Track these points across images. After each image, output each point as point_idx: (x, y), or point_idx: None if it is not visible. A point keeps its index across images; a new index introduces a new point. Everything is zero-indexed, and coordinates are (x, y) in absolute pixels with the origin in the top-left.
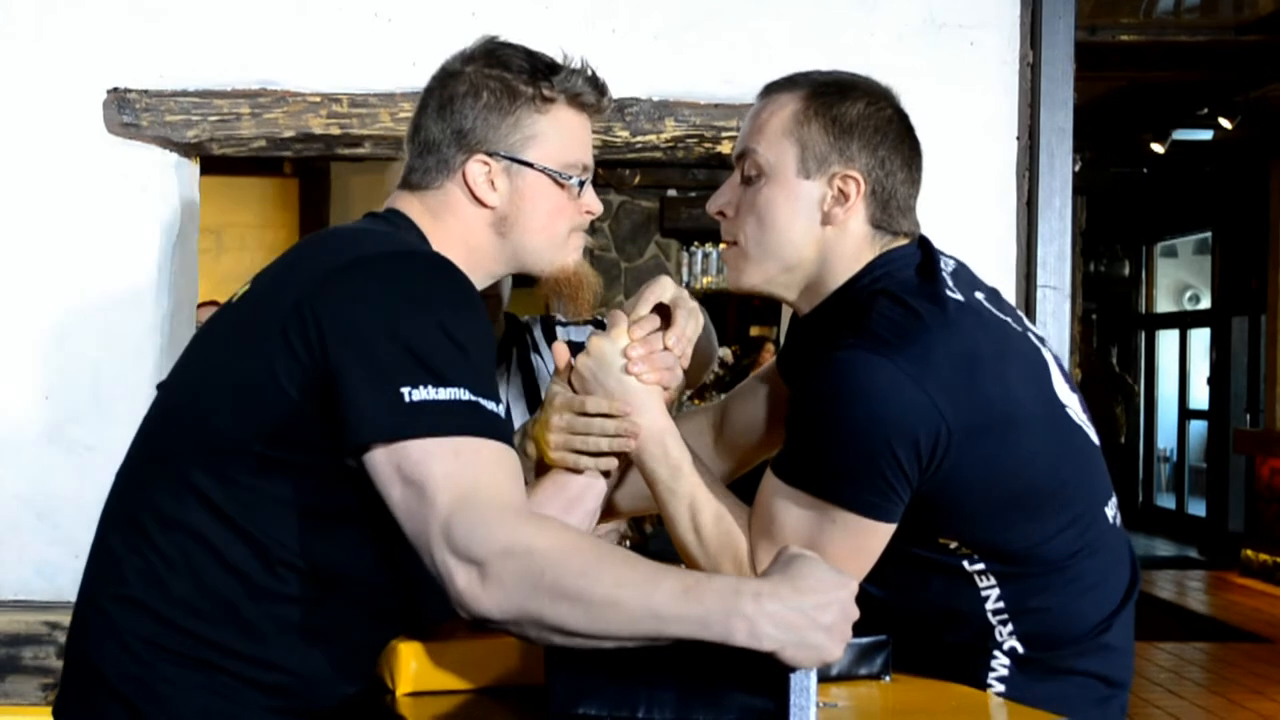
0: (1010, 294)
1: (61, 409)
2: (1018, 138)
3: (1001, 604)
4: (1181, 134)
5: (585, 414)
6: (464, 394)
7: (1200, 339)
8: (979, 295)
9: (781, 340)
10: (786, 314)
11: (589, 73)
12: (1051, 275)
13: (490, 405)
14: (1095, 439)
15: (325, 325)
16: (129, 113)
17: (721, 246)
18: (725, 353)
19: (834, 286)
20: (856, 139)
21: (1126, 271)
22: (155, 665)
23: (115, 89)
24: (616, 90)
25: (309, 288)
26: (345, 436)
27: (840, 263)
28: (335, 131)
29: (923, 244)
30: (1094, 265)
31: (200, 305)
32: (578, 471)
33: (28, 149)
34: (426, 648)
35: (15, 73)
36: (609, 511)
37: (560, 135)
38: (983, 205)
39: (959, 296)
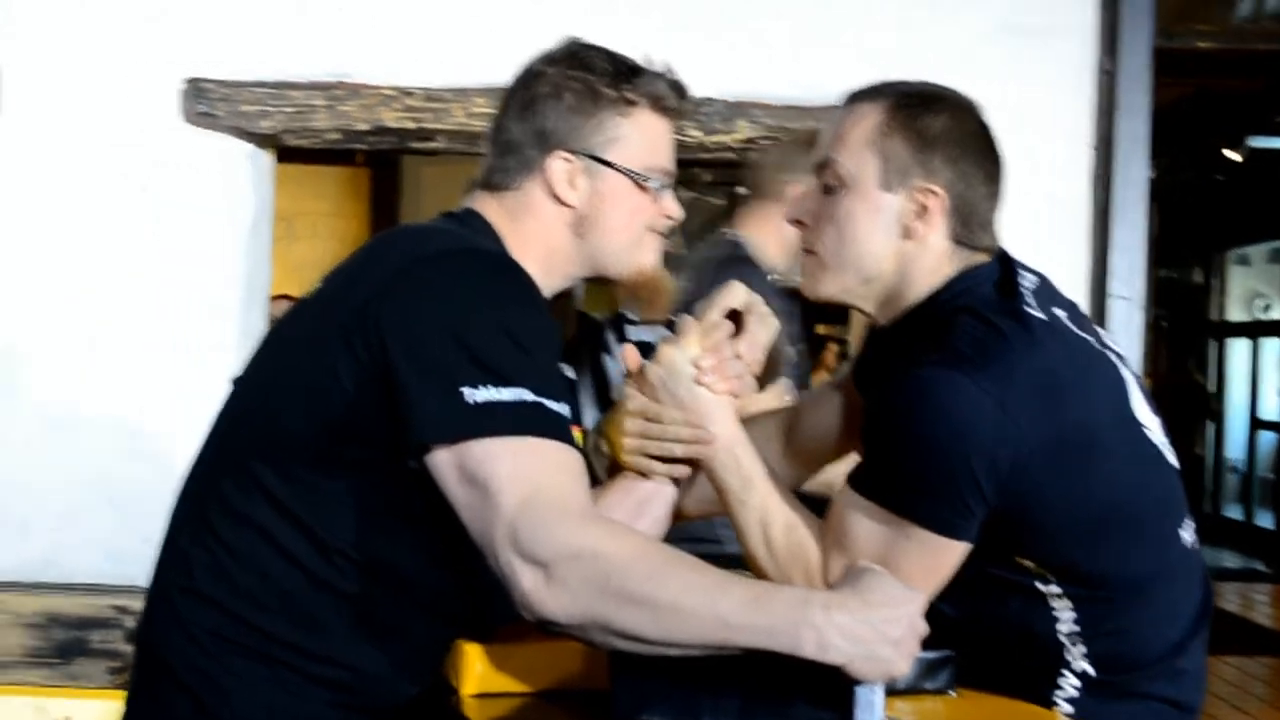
0: (1082, 303)
1: (136, 397)
2: (1094, 145)
3: (1076, 626)
4: (1258, 141)
5: (659, 422)
6: (527, 394)
7: (1272, 348)
8: (1060, 312)
9: (852, 348)
10: (857, 318)
11: (671, 76)
12: (1124, 285)
13: (554, 405)
14: (1174, 461)
15: (385, 326)
16: (205, 102)
17: (800, 255)
18: (791, 352)
19: (912, 299)
20: (939, 152)
21: (1199, 279)
22: (220, 658)
23: (193, 79)
24: (691, 90)
25: (372, 290)
26: (407, 437)
27: (919, 276)
28: (409, 125)
29: (1003, 259)
30: (1165, 272)
31: (273, 299)
32: (648, 476)
33: (106, 137)
34: (492, 650)
35: (95, 61)
36: (676, 514)
37: (642, 139)
38: (1057, 213)
39: (1041, 315)
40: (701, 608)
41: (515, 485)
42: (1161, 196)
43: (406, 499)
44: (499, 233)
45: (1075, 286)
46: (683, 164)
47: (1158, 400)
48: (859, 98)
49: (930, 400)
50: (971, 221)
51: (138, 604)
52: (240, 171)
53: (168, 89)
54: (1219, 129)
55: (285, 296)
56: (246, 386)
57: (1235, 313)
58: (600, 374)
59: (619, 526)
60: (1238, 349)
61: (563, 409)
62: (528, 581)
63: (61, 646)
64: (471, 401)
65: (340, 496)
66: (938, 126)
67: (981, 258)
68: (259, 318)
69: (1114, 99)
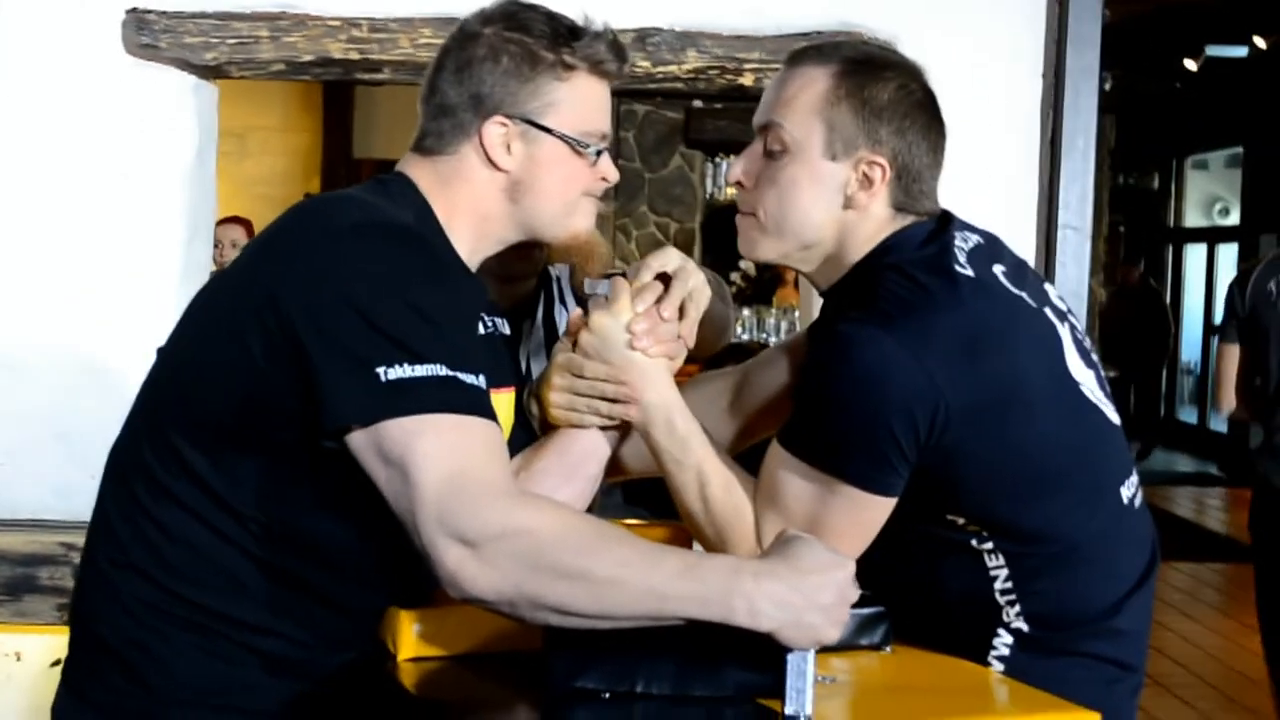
0: (1030, 234)
1: (80, 331)
2: (1043, 75)
3: (1010, 584)
4: (1215, 50)
5: (583, 377)
6: (441, 369)
7: (1228, 254)
8: (997, 269)
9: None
10: None
11: (611, 38)
12: (1073, 216)
13: (469, 379)
14: (1114, 417)
15: (292, 308)
16: (148, 34)
17: (737, 215)
18: (748, 265)
19: (851, 263)
20: (886, 123)
21: (1156, 185)
22: (155, 629)
23: (134, 10)
24: (638, 19)
25: (280, 269)
26: (321, 420)
27: (859, 242)
28: (354, 57)
29: (942, 219)
30: (1123, 178)
31: (220, 222)
32: (581, 428)
33: (46, 70)
34: (426, 614)
35: None
36: (616, 469)
37: (580, 103)
38: (1006, 144)
39: (969, 272)
40: (634, 579)
41: (435, 464)
42: (1121, 105)
43: (327, 476)
44: (428, 198)
45: (1025, 217)
46: (629, 94)
47: (1122, 310)
48: (805, 59)
49: (849, 357)
50: (914, 189)
51: (84, 540)
52: (184, 104)
53: (109, 21)
54: (1177, 39)
55: (234, 219)
56: (167, 358)
57: (1194, 218)
58: (551, 328)
59: (545, 502)
60: (1194, 254)
61: (479, 382)
62: (453, 561)
63: (9, 583)
64: (385, 380)
65: (259, 473)
66: (885, 96)
67: (920, 220)
68: (204, 251)
69: (1064, 29)
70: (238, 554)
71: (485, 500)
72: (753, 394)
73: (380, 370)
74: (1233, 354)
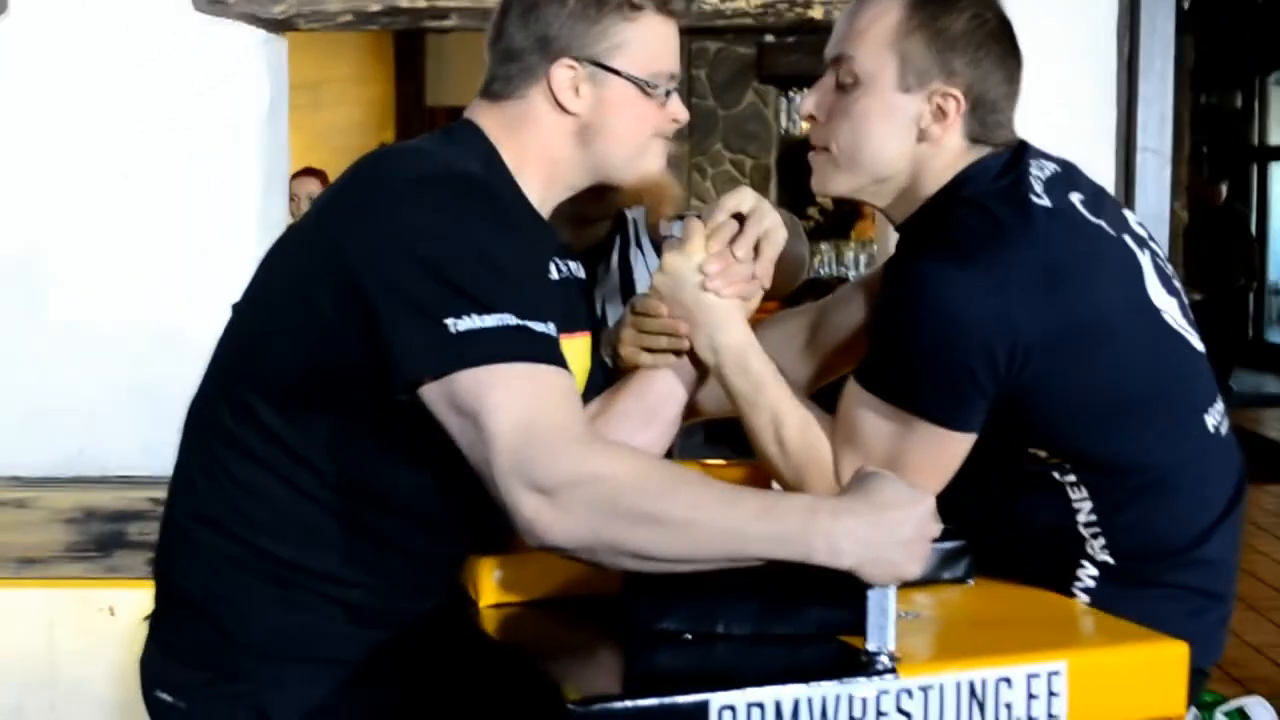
0: (1109, 159)
1: (159, 289)
2: None
3: (1094, 516)
4: None
5: (648, 316)
6: (510, 319)
7: None
8: (1075, 198)
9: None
10: None
11: None
12: (1152, 139)
13: (539, 327)
14: (1198, 343)
15: (357, 263)
16: None
17: (809, 151)
18: (824, 200)
19: (925, 196)
20: (959, 54)
21: (1239, 104)
22: (236, 582)
23: None
24: None
25: (345, 223)
26: (393, 374)
27: (933, 175)
28: (422, 4)
29: (1018, 149)
30: (1204, 98)
31: (295, 176)
32: (649, 368)
33: (116, 29)
34: (505, 560)
35: None
36: (694, 411)
37: (648, 44)
38: (1081, 67)
39: (1046, 202)
40: (713, 521)
41: (508, 414)
42: (1200, 23)
43: (400, 429)
44: (497, 145)
45: (1104, 141)
46: (700, 31)
47: (1205, 226)
48: None
49: (923, 293)
50: (989, 121)
51: None
52: (253, 58)
53: None
54: None
55: (309, 171)
56: (240, 315)
57: (1278, 136)
58: (627, 271)
59: (619, 447)
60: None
61: (549, 330)
62: (529, 509)
63: (100, 539)
64: (455, 332)
65: (332, 428)
66: (959, 27)
67: (996, 151)
68: (279, 205)
69: None
70: (314, 506)
71: (559, 447)
72: (829, 332)
73: (449, 321)
74: None
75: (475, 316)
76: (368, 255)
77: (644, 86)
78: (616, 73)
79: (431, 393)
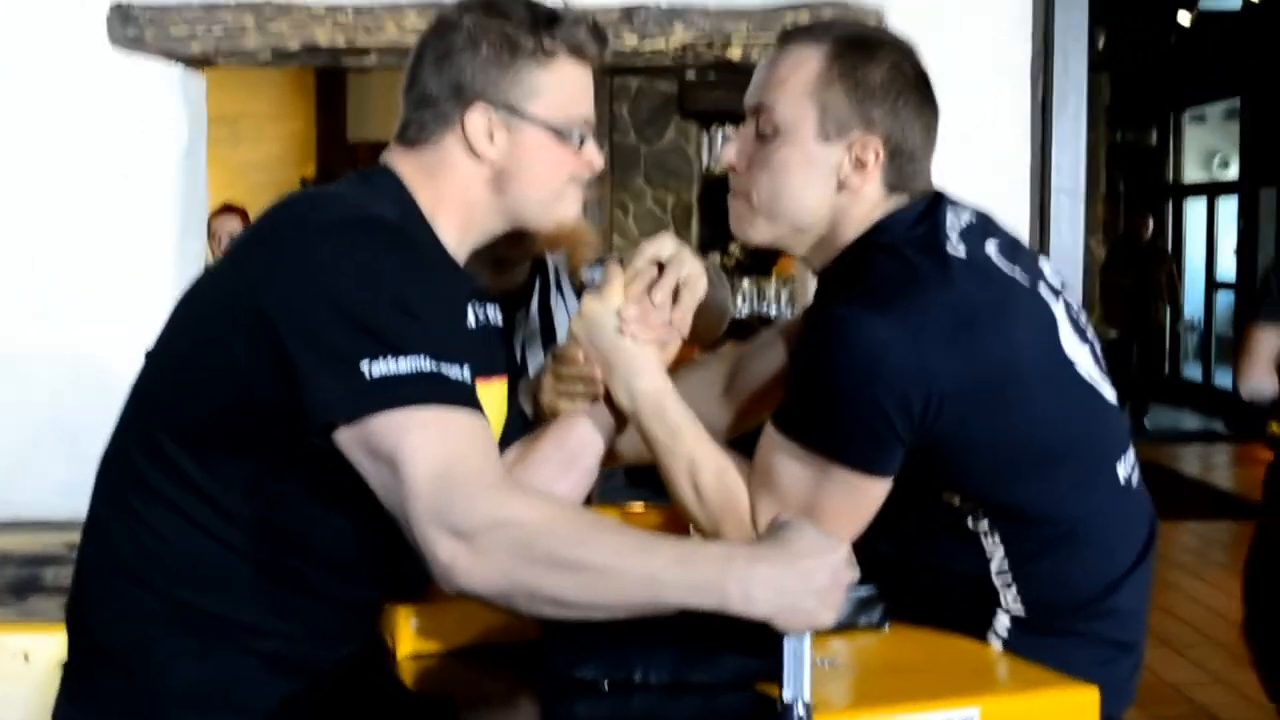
0: (1024, 199)
1: (73, 329)
2: (1031, 38)
3: (1006, 564)
4: (1209, 3)
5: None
6: (425, 362)
7: (1228, 208)
8: (990, 247)
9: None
10: None
11: (590, 23)
12: (1066, 179)
13: (454, 371)
14: (1110, 395)
15: (272, 307)
16: (133, 26)
17: (729, 197)
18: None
19: (844, 244)
20: (879, 104)
21: (1154, 140)
22: (151, 633)
23: (118, 3)
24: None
25: (261, 267)
26: (308, 419)
27: (851, 223)
28: (341, 43)
29: (934, 198)
30: (1120, 135)
31: (214, 214)
32: (567, 415)
33: (32, 64)
34: (425, 609)
35: None
36: (612, 457)
37: (562, 89)
38: (997, 109)
39: (960, 251)
40: (629, 568)
41: (424, 458)
42: (1115, 62)
43: (316, 472)
44: (412, 190)
45: (1019, 182)
46: (618, 71)
47: (1122, 260)
48: (795, 39)
49: (841, 339)
50: (906, 170)
51: None
52: (171, 95)
53: (94, 14)
54: None
55: (228, 208)
56: (153, 359)
57: (1193, 173)
58: (547, 315)
59: (536, 493)
60: (1195, 208)
61: (464, 375)
62: (446, 554)
63: (14, 584)
64: (369, 376)
65: (248, 473)
66: (878, 77)
67: (913, 199)
68: (197, 242)
69: None
70: (230, 554)
71: (476, 491)
72: (748, 378)
73: (364, 365)
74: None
75: (389, 360)
76: (282, 298)
77: (559, 132)
78: (531, 118)
79: (346, 437)
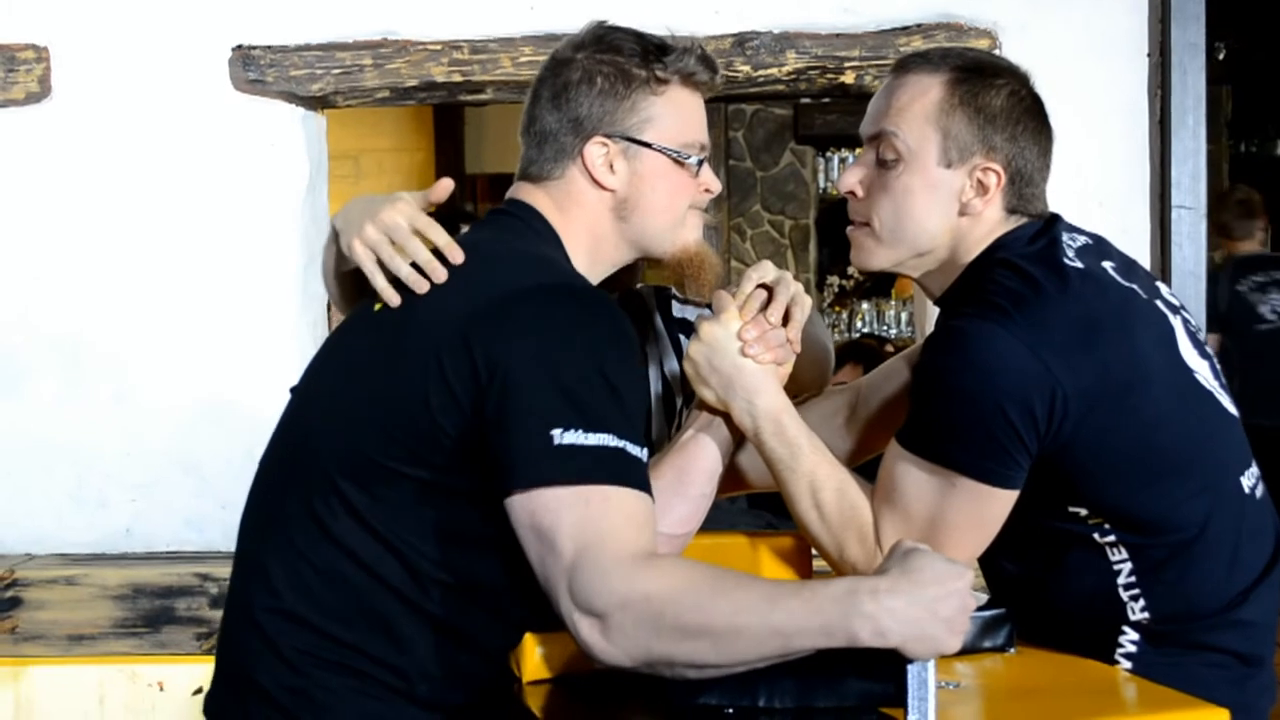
0: (1144, 215)
1: (202, 366)
2: (1149, 55)
3: (1133, 578)
4: None
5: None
6: (611, 440)
7: None
8: (1107, 265)
9: None
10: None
11: (699, 52)
12: (1186, 195)
13: (634, 450)
14: (1230, 407)
15: (483, 363)
16: (254, 69)
17: (849, 227)
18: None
19: (963, 266)
20: (999, 130)
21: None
22: (313, 675)
23: (240, 46)
24: (736, 24)
25: (469, 321)
26: (497, 475)
27: (970, 246)
28: (457, 79)
29: (1050, 219)
30: (1245, 147)
31: None
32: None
33: (157, 109)
34: (550, 636)
35: (142, 33)
36: (737, 482)
37: (676, 115)
38: (1115, 126)
39: (1079, 264)
40: (755, 625)
41: (576, 534)
42: (1238, 74)
43: (490, 522)
44: (553, 226)
45: (1137, 199)
46: (731, 99)
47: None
48: (913, 67)
49: (964, 351)
50: (1025, 193)
51: (220, 570)
52: (293, 135)
53: (216, 58)
54: None
55: None
56: (313, 398)
57: None
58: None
59: (665, 562)
60: None
61: (642, 455)
62: (586, 631)
63: (148, 615)
64: (558, 444)
65: (425, 517)
66: (998, 103)
67: (1030, 221)
68: (320, 282)
69: (1168, 6)
70: (397, 600)
71: (611, 569)
72: (872, 405)
73: (556, 433)
74: None
75: (581, 432)
76: (496, 356)
77: (676, 157)
78: (648, 145)
79: (517, 503)
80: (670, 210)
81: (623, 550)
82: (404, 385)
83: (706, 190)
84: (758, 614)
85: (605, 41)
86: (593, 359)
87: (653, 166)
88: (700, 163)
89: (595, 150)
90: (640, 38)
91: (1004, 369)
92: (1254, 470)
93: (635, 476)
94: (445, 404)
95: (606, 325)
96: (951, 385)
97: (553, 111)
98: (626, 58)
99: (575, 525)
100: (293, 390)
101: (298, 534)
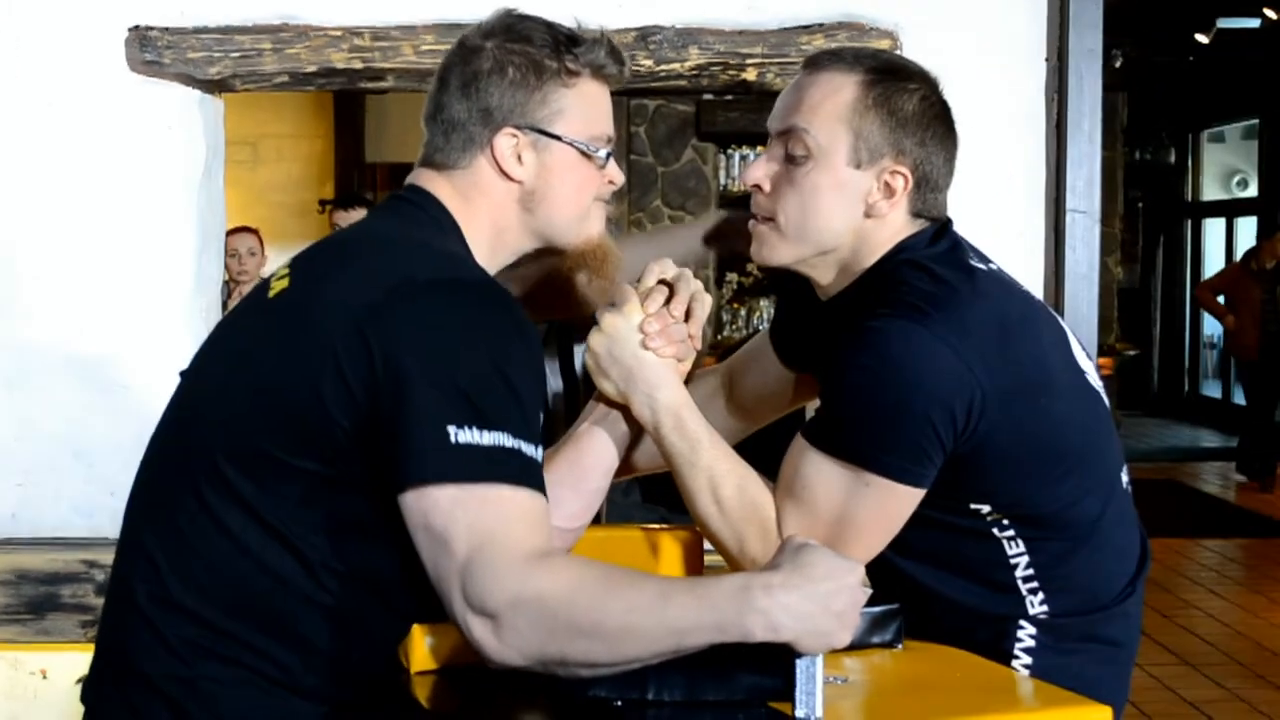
0: (1039, 219)
1: (93, 348)
2: (1047, 59)
3: (1030, 570)
4: (1227, 22)
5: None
6: (506, 439)
7: (1247, 227)
8: (993, 266)
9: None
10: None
11: (609, 44)
12: (1081, 200)
13: (530, 450)
14: (1108, 405)
15: (380, 363)
16: (151, 50)
17: (752, 221)
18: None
19: (862, 268)
20: (911, 134)
21: (1173, 159)
22: (199, 666)
23: (136, 27)
24: (639, 19)
25: (364, 313)
26: (391, 471)
27: (871, 249)
28: (358, 66)
29: (946, 222)
30: (1139, 154)
31: (229, 233)
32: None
33: (51, 89)
34: (439, 627)
35: (37, 13)
36: (629, 467)
37: (586, 108)
38: (1012, 129)
39: (982, 266)
40: (649, 624)
41: (470, 534)
42: (1133, 81)
43: (386, 513)
44: (454, 216)
45: (1032, 202)
46: (633, 93)
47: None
48: (827, 65)
49: (887, 351)
50: (929, 198)
51: (106, 558)
52: (190, 119)
53: (112, 38)
54: (1188, 12)
55: (244, 229)
56: (203, 382)
57: (1212, 191)
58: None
59: (559, 561)
60: (1213, 227)
61: (536, 454)
62: (478, 631)
63: (32, 602)
64: (454, 442)
65: (320, 511)
66: (911, 107)
67: (930, 224)
68: (215, 262)
69: (1065, 12)
70: (286, 591)
71: (504, 569)
72: (746, 388)
73: (452, 430)
74: None
75: (475, 430)
76: (392, 350)
77: (584, 150)
78: (558, 138)
79: (411, 500)
80: (576, 203)
81: (516, 550)
82: (295, 375)
83: (611, 183)
84: (651, 612)
85: (516, 31)
86: (492, 357)
87: (561, 159)
88: (608, 156)
89: (505, 141)
90: (550, 28)
91: (927, 369)
92: (1127, 467)
93: (530, 477)
94: (339, 396)
95: (507, 322)
96: (870, 384)
97: (461, 100)
98: (538, 48)
99: (469, 525)
100: (182, 374)
101: (185, 522)
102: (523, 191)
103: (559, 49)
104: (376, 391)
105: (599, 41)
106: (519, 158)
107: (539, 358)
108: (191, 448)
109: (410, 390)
